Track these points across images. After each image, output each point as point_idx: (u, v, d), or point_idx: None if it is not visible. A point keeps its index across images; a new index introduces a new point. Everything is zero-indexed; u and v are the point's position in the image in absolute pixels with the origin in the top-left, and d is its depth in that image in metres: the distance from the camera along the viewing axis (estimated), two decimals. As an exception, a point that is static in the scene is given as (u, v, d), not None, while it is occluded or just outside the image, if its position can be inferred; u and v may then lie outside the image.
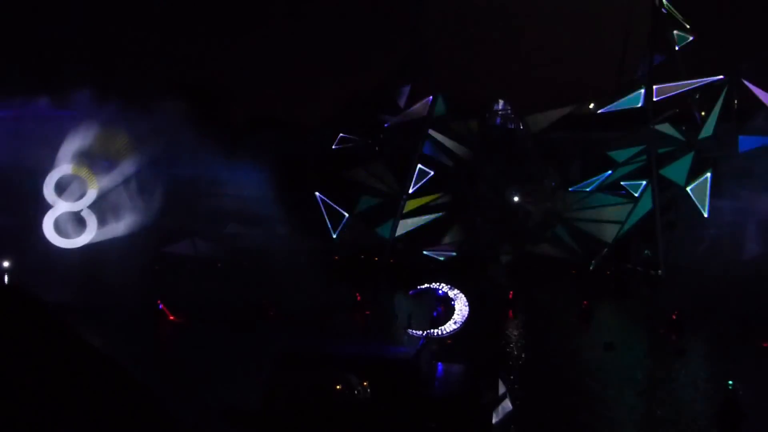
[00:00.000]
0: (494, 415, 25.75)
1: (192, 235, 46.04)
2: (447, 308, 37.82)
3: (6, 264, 41.23)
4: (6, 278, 39.07)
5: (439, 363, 29.33)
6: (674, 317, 36.70)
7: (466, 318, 37.03)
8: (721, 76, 43.60)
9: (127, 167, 45.64)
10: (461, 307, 37.49)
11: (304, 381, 25.98)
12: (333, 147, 47.12)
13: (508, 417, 25.99)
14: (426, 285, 37.95)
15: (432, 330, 36.26)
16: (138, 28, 44.93)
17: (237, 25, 47.53)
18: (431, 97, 47.00)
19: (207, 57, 46.39)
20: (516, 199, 45.03)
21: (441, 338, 35.04)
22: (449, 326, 37.42)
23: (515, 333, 37.31)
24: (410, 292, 39.81)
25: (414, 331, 36.01)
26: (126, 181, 45.69)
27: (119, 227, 45.51)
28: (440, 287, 37.14)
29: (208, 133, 42.82)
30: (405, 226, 45.62)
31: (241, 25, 47.50)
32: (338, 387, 25.74)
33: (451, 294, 36.95)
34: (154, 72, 43.07)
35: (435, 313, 39.55)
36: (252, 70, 46.67)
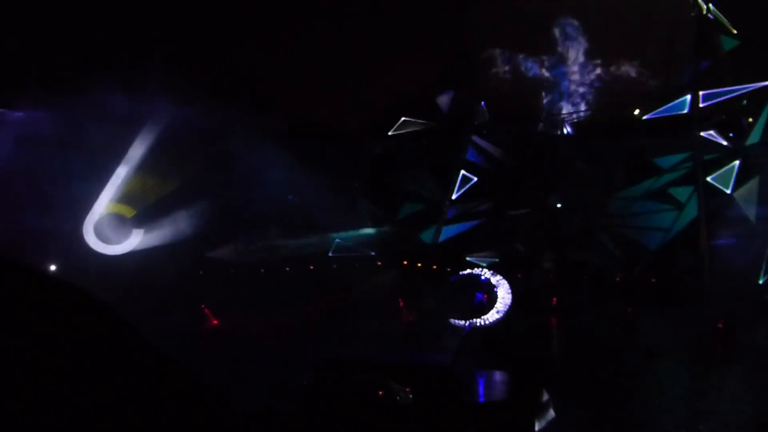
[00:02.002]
0: (536, 423, 25.92)
1: (235, 241, 46.42)
2: (490, 295, 37.99)
3: (52, 268, 41.88)
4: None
5: (480, 369, 29.55)
6: (720, 326, 36.69)
7: (509, 306, 37.15)
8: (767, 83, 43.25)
9: (176, 174, 46.32)
10: (504, 294, 37.66)
11: (345, 387, 26.35)
12: (376, 153, 47.35)
13: (550, 425, 26.16)
14: (468, 271, 38.09)
15: (475, 319, 36.48)
16: (178, 34, 45.35)
17: (277, 30, 47.90)
18: (475, 102, 47.23)
19: (248, 63, 46.70)
20: (559, 205, 45.05)
21: (484, 329, 35.20)
22: (492, 315, 37.62)
23: (558, 339, 37.46)
24: (452, 278, 39.90)
25: (456, 321, 36.22)
26: (174, 188, 46.30)
27: (164, 233, 46.13)
28: (482, 272, 37.29)
29: (252, 139, 43.30)
30: (447, 232, 45.82)
31: (281, 30, 47.88)
32: (379, 393, 26.09)
33: (493, 280, 37.17)
34: (197, 77, 43.43)
35: (477, 300, 39.45)
36: (294, 76, 46.94)
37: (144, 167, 46.14)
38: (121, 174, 46.31)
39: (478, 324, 37.46)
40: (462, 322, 37.44)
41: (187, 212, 45.47)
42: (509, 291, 37.71)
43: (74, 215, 45.56)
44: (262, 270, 45.72)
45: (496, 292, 38.93)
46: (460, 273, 39.55)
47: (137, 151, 45.90)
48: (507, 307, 38.90)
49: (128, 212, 46.84)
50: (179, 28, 45.86)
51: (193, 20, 46.44)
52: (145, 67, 43.14)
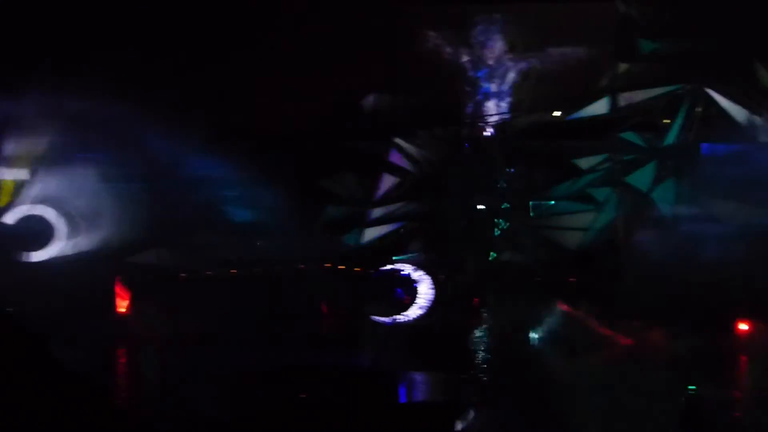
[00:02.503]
0: (457, 423, 26.30)
1: (158, 246, 46.00)
2: (411, 291, 38.16)
3: None
4: None
5: (403, 371, 29.84)
6: (637, 323, 37.44)
7: (432, 302, 37.32)
8: (684, 84, 43.95)
9: (94, 175, 45.74)
10: (426, 290, 37.87)
11: (269, 390, 26.51)
12: (300, 156, 47.27)
13: (471, 425, 26.54)
14: (390, 266, 38.18)
15: (396, 316, 36.68)
16: (106, 39, 44.91)
17: (206, 35, 47.59)
18: (398, 104, 47.37)
19: (175, 67, 46.33)
20: (481, 206, 45.42)
21: (406, 329, 35.30)
22: (414, 311, 37.82)
23: (479, 340, 37.74)
24: (373, 274, 39.95)
25: (379, 318, 36.35)
26: (94, 191, 45.75)
27: (86, 238, 45.59)
28: (404, 268, 37.45)
29: (180, 143, 43.08)
30: (371, 234, 45.92)
31: (209, 35, 47.59)
32: (303, 395, 26.32)
33: (415, 276, 37.36)
34: (126, 82, 43.04)
35: (396, 296, 39.47)
36: (225, 82, 46.70)
37: (66, 169, 45.51)
38: (43, 176, 45.63)
39: (400, 320, 37.63)
40: (384, 319, 37.59)
41: (110, 217, 45.03)
42: (431, 287, 37.94)
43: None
44: (183, 274, 45.41)
45: (417, 287, 39.12)
46: (381, 269, 39.69)
47: (60, 153, 45.28)
48: (429, 302, 39.12)
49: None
50: (107, 32, 45.39)
51: (121, 24, 45.96)
52: (72, 71, 42.67)
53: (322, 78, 47.48)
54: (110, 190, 45.69)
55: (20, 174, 46.25)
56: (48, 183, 45.62)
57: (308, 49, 47.40)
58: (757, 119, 42.96)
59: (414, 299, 39.11)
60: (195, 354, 34.21)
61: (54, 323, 36.89)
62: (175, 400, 27.65)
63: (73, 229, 45.71)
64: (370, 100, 47.91)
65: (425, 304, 38.84)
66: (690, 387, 26.44)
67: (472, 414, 26.86)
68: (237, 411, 25.90)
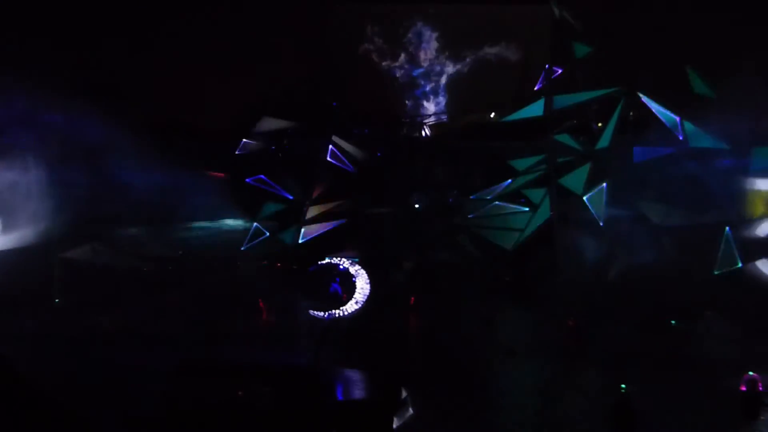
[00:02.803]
0: (395, 421, 26.42)
1: (92, 240, 45.52)
2: (348, 285, 38.06)
3: None
4: None
5: (340, 369, 29.88)
6: (571, 323, 37.88)
7: (368, 297, 37.20)
8: (617, 88, 44.47)
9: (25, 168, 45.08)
10: (363, 285, 37.76)
11: (205, 388, 26.38)
12: (236, 153, 47.12)
13: (408, 422, 26.70)
14: (327, 260, 38.01)
15: (333, 310, 36.53)
16: (38, 32, 44.24)
17: (141, 30, 47.18)
18: (335, 104, 47.40)
19: (110, 61, 45.86)
20: (418, 206, 45.62)
21: (344, 327, 35.13)
22: (351, 306, 37.68)
23: (416, 338, 37.84)
24: (310, 268, 39.75)
25: (316, 313, 36.15)
26: (23, 184, 45.11)
27: (20, 233, 44.94)
28: (341, 263, 37.31)
29: (110, 137, 42.65)
30: (308, 232, 45.90)
31: (145, 30, 47.19)
32: (239, 393, 26.22)
33: (352, 270, 37.22)
34: (56, 75, 42.42)
35: (331, 290, 39.33)
36: (157, 76, 46.32)
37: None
38: None
39: (337, 315, 37.53)
40: (321, 314, 37.39)
41: (44, 211, 44.46)
42: (368, 282, 37.83)
43: None
44: (119, 269, 44.97)
45: (355, 282, 39.04)
46: (319, 263, 39.54)
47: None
48: (366, 297, 39.04)
49: None
50: (38, 25, 44.75)
51: (53, 18, 45.34)
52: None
53: (261, 76, 47.36)
54: (41, 186, 45.01)
55: None
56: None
57: (246, 47, 47.25)
58: (687, 124, 43.52)
59: (351, 294, 39.00)
60: (131, 349, 33.96)
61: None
62: (110, 396, 27.42)
63: (7, 223, 44.99)
64: (308, 97, 47.86)
65: (362, 299, 38.74)
66: (622, 386, 26.97)
67: (408, 411, 27.00)
68: (172, 408, 25.73)
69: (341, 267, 40.05)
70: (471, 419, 28.18)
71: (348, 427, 25.50)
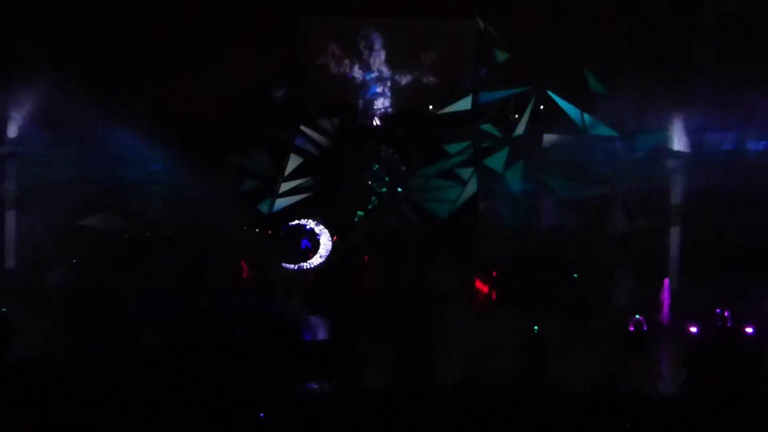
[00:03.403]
0: (347, 356, 26.07)
1: (104, 211, 44.41)
2: (314, 242, 37.60)
3: None
4: None
5: (306, 314, 29.47)
6: (494, 274, 37.78)
7: (330, 251, 36.68)
8: (530, 87, 44.36)
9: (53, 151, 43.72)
10: (325, 241, 37.29)
11: (197, 331, 25.85)
12: (222, 137, 46.17)
13: (357, 357, 26.31)
14: (296, 222, 37.54)
15: (302, 263, 36.03)
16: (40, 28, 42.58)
17: (143, 27, 45.78)
18: (303, 97, 46.80)
19: (112, 56, 44.32)
20: (369, 182, 45.13)
21: (309, 282, 34.58)
22: (316, 259, 37.19)
23: (368, 290, 37.54)
24: (282, 228, 39.21)
25: (287, 265, 35.60)
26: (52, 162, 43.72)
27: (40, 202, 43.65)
28: (308, 223, 36.78)
29: (116, 122, 41.57)
30: (280, 203, 45.27)
31: (147, 27, 45.81)
32: (225, 335, 25.71)
33: (317, 229, 36.77)
34: (65, 62, 40.99)
35: (303, 246, 38.93)
36: (152, 69, 45.04)
37: (23, 145, 43.38)
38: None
39: (305, 267, 37.05)
40: (292, 266, 36.89)
41: (63, 183, 43.17)
42: (330, 239, 37.34)
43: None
44: (126, 235, 44.03)
45: (319, 239, 38.59)
46: (289, 224, 39.00)
47: (15, 129, 43.13)
48: (328, 252, 38.56)
49: None
50: (48, 21, 43.18)
51: (60, 17, 43.77)
52: (19, 55, 40.58)
53: (240, 72, 46.50)
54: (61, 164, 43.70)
55: None
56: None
57: (226, 45, 46.19)
58: (586, 115, 43.61)
59: (316, 249, 38.50)
60: (136, 301, 33.25)
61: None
62: (112, 341, 26.74)
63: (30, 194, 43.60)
64: (280, 93, 47.10)
65: (325, 254, 38.22)
66: (534, 327, 26.73)
67: (358, 349, 26.63)
68: (170, 347, 25.14)
69: (308, 227, 39.43)
70: (411, 354, 27.89)
71: (312, 361, 25.11)
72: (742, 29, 42.46)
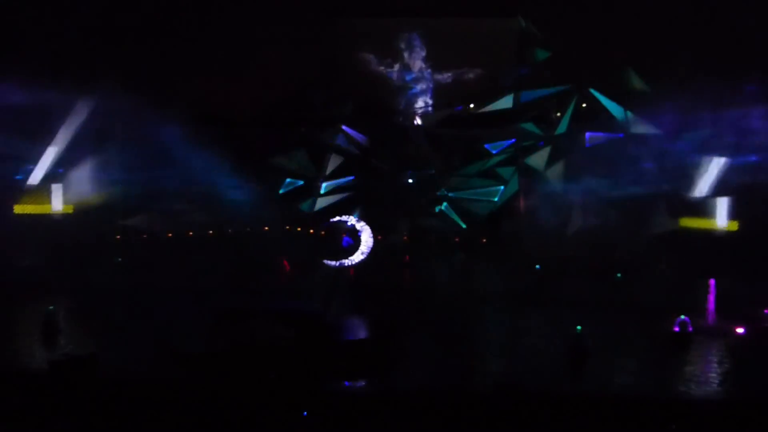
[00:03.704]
0: (391, 357, 26.00)
1: (146, 211, 44.97)
2: (355, 239, 37.32)
3: None
4: None
5: (347, 314, 29.41)
6: (536, 275, 37.48)
7: (371, 248, 36.47)
8: (572, 85, 44.13)
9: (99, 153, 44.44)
10: (367, 238, 36.94)
11: (240, 330, 25.98)
12: (264, 139, 46.55)
13: (402, 358, 26.25)
14: (337, 218, 37.34)
15: (343, 260, 35.76)
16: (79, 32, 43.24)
17: (187, 36, 46.28)
18: (344, 98, 46.96)
19: (162, 64, 44.88)
20: (410, 181, 45.13)
21: (350, 282, 34.51)
22: (357, 256, 36.94)
23: (409, 289, 37.34)
24: (323, 224, 39.01)
25: (329, 262, 35.42)
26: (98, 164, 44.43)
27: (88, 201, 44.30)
28: (349, 219, 36.56)
29: (164, 126, 42.07)
30: (321, 203, 45.47)
31: (190, 36, 46.33)
32: (268, 335, 25.83)
33: (358, 226, 36.40)
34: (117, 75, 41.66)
35: (345, 243, 38.64)
36: (195, 75, 45.56)
37: (73, 147, 44.11)
38: (51, 152, 44.09)
39: (346, 264, 36.83)
40: (333, 263, 36.75)
41: (108, 184, 43.81)
42: (371, 235, 37.06)
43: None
44: (170, 234, 44.47)
45: (360, 236, 38.33)
46: (330, 220, 38.85)
47: (67, 133, 43.90)
48: (369, 249, 38.30)
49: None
50: (101, 30, 43.87)
51: (112, 23, 44.46)
52: (75, 64, 41.27)
53: (283, 75, 46.83)
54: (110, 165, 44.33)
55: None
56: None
57: (273, 52, 46.56)
58: (628, 114, 43.26)
59: (358, 246, 38.23)
60: (182, 300, 33.46)
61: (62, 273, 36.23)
62: (155, 339, 26.97)
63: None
64: (321, 93, 47.31)
65: (366, 250, 37.98)
66: (577, 327, 26.50)
67: (403, 349, 26.56)
68: (212, 347, 25.30)
69: (349, 224, 39.19)
70: (451, 354, 27.72)
71: (353, 361, 25.10)
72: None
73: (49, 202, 44.00)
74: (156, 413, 19.57)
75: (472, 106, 46.98)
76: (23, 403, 19.96)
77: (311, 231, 44.38)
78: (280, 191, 45.65)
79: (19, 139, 41.75)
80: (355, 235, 38.54)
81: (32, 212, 43.40)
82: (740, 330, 30.57)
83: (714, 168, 42.26)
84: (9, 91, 39.43)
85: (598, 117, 43.72)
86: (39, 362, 24.67)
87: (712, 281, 32.29)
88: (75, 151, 43.54)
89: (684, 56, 41.38)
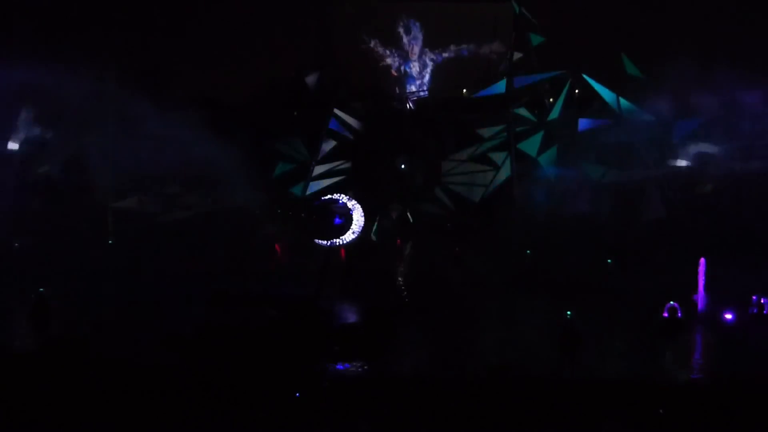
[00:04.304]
0: (383, 343, 26.04)
1: (138, 193, 44.89)
2: (347, 218, 37.10)
3: None
4: None
5: (339, 299, 29.46)
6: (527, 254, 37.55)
7: (362, 227, 36.31)
8: (565, 71, 44.14)
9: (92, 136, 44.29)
10: (358, 217, 36.83)
11: (231, 314, 26.01)
12: (257, 121, 46.42)
13: (394, 344, 26.31)
14: (329, 196, 37.03)
15: (335, 239, 35.61)
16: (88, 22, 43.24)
17: (185, 25, 46.24)
18: (337, 82, 46.84)
19: (157, 46, 44.79)
20: (403, 166, 45.13)
21: (341, 269, 34.58)
22: (349, 236, 36.79)
23: (401, 274, 37.39)
24: (315, 202, 38.76)
25: (320, 241, 35.24)
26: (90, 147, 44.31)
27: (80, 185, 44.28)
28: (341, 198, 36.33)
29: (158, 109, 41.91)
30: (314, 186, 45.40)
31: (187, 25, 46.29)
32: (259, 319, 25.85)
33: (349, 204, 36.30)
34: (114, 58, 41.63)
35: (336, 222, 38.48)
36: (189, 59, 45.46)
37: (66, 129, 44.03)
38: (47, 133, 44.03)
39: (337, 243, 36.67)
40: (324, 243, 36.57)
41: (100, 167, 43.70)
42: (362, 214, 37.02)
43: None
44: (162, 218, 44.41)
45: (352, 214, 38.16)
46: (322, 198, 38.66)
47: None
48: (361, 228, 38.16)
49: None
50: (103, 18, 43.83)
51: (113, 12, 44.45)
52: (73, 47, 41.08)
53: (276, 59, 46.75)
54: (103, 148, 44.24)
55: None
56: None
57: (263, 35, 46.45)
58: (622, 100, 43.35)
59: (349, 225, 38.00)
60: (176, 281, 33.46)
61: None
62: (146, 323, 27.01)
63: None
64: (314, 77, 47.17)
65: (358, 230, 37.81)
66: (568, 312, 26.57)
67: (395, 335, 26.57)
68: (205, 328, 25.33)
69: (341, 202, 38.89)
70: (444, 338, 27.82)
71: (346, 347, 25.14)
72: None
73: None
74: (145, 395, 19.58)
75: (465, 90, 46.97)
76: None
77: (302, 215, 44.31)
78: (273, 174, 45.56)
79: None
80: (346, 213, 38.48)
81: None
82: (729, 316, 30.81)
83: (709, 155, 42.54)
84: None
85: (591, 103, 43.76)
86: (29, 344, 24.73)
87: (701, 268, 32.36)
88: (69, 134, 43.50)
89: (677, 43, 41.48)
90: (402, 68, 48.40)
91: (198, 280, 32.26)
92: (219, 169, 44.57)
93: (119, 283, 33.73)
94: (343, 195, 39.07)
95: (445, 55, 48.12)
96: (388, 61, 48.68)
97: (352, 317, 27.83)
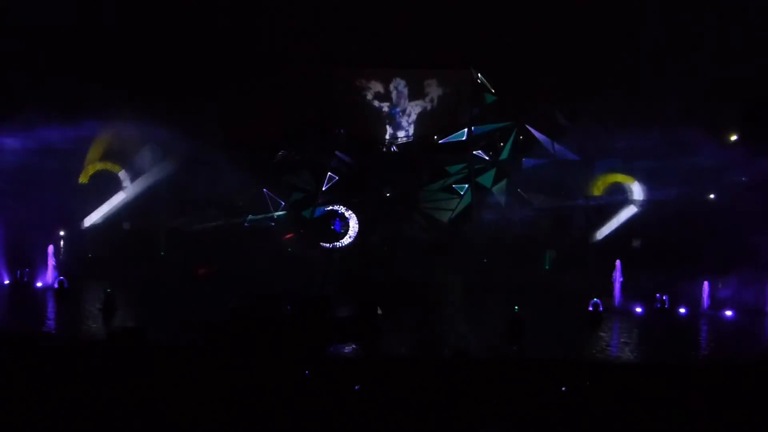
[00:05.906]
0: (375, 328, 25.95)
1: (184, 215, 44.68)
2: (344, 224, 36.78)
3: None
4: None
5: (339, 295, 29.31)
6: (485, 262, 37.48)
7: (357, 233, 35.80)
8: (512, 122, 44.58)
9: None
10: (353, 225, 36.59)
11: (254, 308, 25.85)
12: (275, 161, 46.32)
13: (383, 329, 26.21)
14: (329, 207, 36.54)
15: (335, 243, 35.23)
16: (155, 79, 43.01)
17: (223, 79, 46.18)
18: (338, 130, 46.92)
19: (200, 101, 44.45)
20: (388, 195, 45.10)
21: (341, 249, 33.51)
22: (346, 240, 36.46)
23: (387, 278, 37.13)
24: (317, 212, 38.31)
25: (323, 244, 34.82)
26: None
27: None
28: (339, 208, 36.01)
29: (198, 148, 41.79)
30: (319, 210, 45.16)
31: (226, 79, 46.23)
32: (278, 312, 25.70)
33: (346, 214, 36.04)
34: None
35: (335, 228, 38.08)
36: (220, 114, 45.37)
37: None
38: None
39: (337, 246, 36.07)
40: (327, 245, 36.06)
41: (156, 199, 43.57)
42: (357, 222, 36.73)
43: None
44: (203, 234, 44.00)
45: (348, 222, 37.92)
46: (324, 209, 38.28)
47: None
48: (355, 233, 37.75)
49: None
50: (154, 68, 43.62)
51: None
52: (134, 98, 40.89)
53: (288, 111, 47.04)
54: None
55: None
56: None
57: (279, 88, 46.53)
58: (555, 145, 43.69)
59: (347, 231, 37.65)
60: (211, 284, 33.21)
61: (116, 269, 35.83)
62: (190, 316, 26.83)
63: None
64: (320, 125, 47.24)
65: (353, 235, 37.46)
66: (515, 307, 26.60)
67: (383, 323, 26.51)
68: (235, 319, 25.11)
69: (340, 211, 38.58)
70: (419, 327, 27.78)
71: (345, 333, 25.03)
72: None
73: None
74: (188, 372, 19.44)
75: (435, 137, 47.11)
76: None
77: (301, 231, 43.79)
78: (288, 202, 45.43)
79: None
80: (344, 221, 38.35)
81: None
82: (638, 309, 30.95)
83: (622, 186, 43.00)
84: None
85: (532, 147, 44.09)
86: (99, 332, 24.62)
87: (618, 273, 32.43)
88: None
89: (598, 101, 42.02)
90: (388, 119, 48.50)
91: (227, 282, 32.10)
92: (246, 196, 44.58)
93: (169, 287, 33.58)
94: (341, 205, 38.66)
95: (421, 109, 48.30)
96: (378, 113, 48.76)
97: (348, 310, 27.67)
